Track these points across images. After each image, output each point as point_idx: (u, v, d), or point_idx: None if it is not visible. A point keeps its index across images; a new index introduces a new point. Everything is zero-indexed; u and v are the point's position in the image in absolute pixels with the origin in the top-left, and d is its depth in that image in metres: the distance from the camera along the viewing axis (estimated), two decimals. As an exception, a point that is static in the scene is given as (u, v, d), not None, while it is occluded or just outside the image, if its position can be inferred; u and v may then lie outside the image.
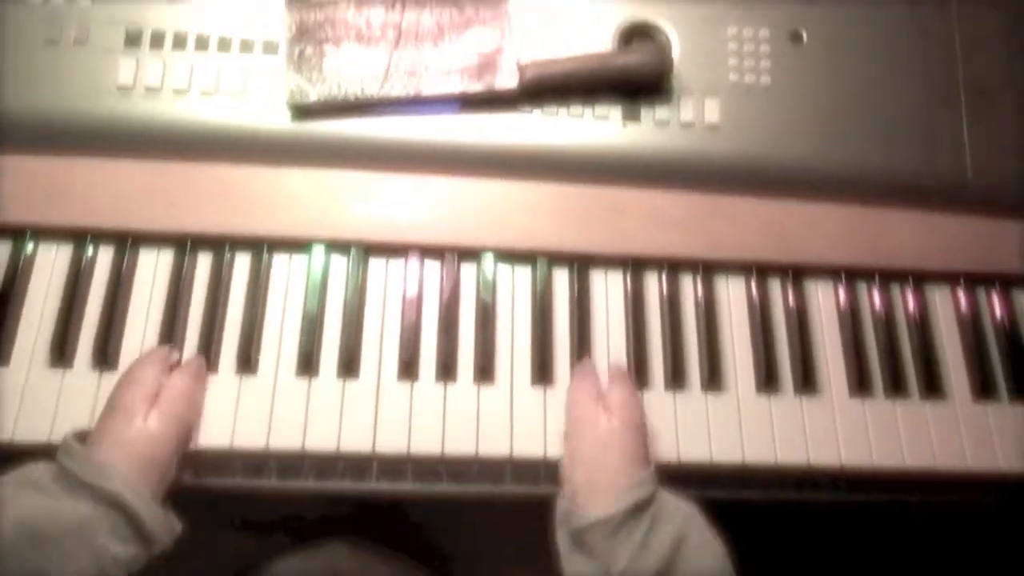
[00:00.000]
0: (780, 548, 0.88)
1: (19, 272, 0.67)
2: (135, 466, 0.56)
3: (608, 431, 0.61)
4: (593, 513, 0.56)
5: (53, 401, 0.63)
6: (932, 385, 0.71)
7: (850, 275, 0.74)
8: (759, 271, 0.73)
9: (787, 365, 0.71)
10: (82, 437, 0.57)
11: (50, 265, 0.68)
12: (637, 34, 0.74)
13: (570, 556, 0.57)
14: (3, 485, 0.53)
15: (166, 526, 0.56)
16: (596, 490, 0.58)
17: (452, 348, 0.68)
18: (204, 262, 0.69)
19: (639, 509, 0.56)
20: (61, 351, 0.64)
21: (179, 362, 0.65)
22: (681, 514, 0.57)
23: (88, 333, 0.66)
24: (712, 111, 0.72)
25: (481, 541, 0.81)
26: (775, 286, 0.73)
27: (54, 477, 0.54)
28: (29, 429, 0.62)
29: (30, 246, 0.68)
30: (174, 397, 0.60)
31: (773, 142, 0.72)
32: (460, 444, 0.65)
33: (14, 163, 0.67)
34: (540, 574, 0.75)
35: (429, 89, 0.69)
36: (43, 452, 0.57)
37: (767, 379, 0.69)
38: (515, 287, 0.71)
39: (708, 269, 0.73)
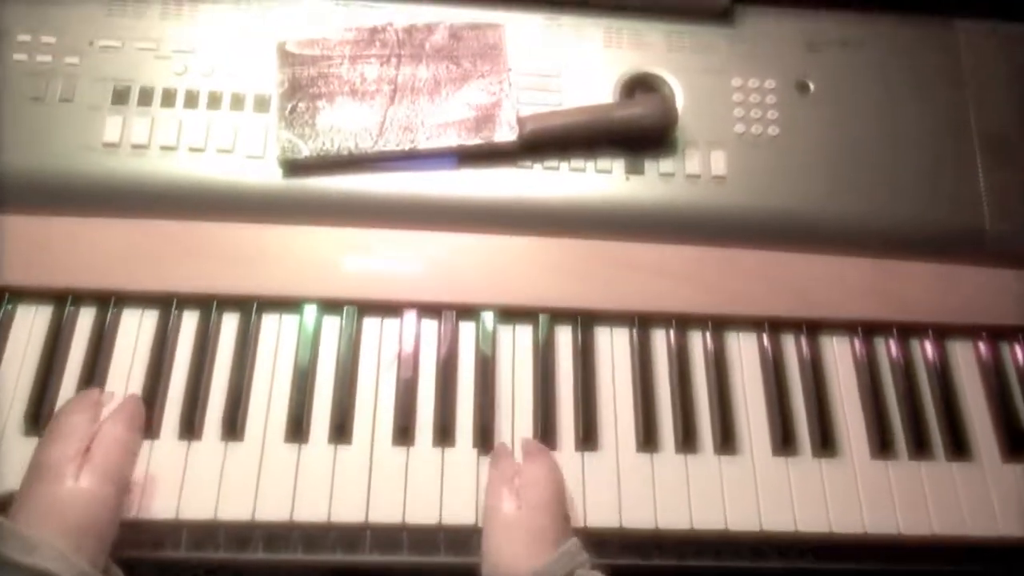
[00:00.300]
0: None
1: (-2, 335, 0.64)
2: (69, 535, 0.50)
3: (513, 518, 0.56)
4: None
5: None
6: (958, 445, 0.67)
7: (867, 329, 0.71)
8: (772, 326, 0.70)
9: (804, 425, 0.67)
10: (5, 503, 0.52)
11: (28, 327, 0.65)
12: (640, 85, 0.73)
13: None
14: None
15: None
16: None
17: (450, 411, 0.64)
18: (190, 322, 0.66)
19: None
20: (36, 419, 0.61)
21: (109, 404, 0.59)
22: None
23: (67, 398, 0.62)
24: (718, 163, 0.70)
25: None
26: (789, 341, 0.70)
27: None
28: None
29: (8, 307, 0.65)
30: (108, 448, 0.54)
31: (782, 193, 0.70)
32: (459, 513, 0.61)
33: (-5, 222, 0.65)
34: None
35: (426, 143, 0.67)
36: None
37: (784, 440, 0.66)
38: (516, 345, 0.68)
39: (718, 325, 0.69)
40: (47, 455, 0.54)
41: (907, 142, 0.72)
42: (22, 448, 0.60)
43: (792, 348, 0.70)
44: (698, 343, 0.69)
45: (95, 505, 0.52)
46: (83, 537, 0.51)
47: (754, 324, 0.70)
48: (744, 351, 0.69)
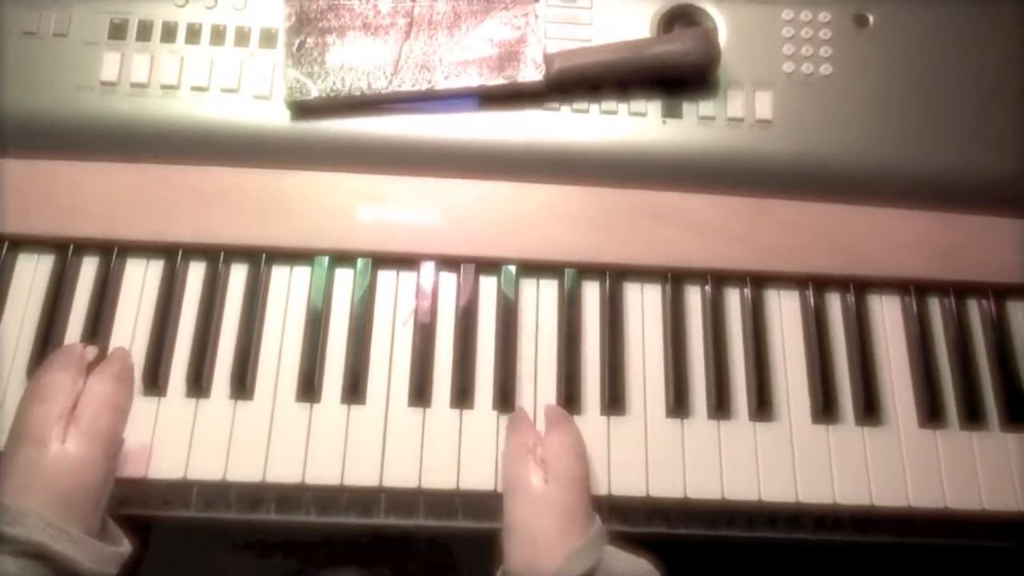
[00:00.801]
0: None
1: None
2: (58, 503, 0.47)
3: (541, 493, 0.53)
4: None
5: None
6: (1014, 414, 0.63)
7: (919, 289, 0.65)
8: (815, 283, 0.65)
9: (847, 391, 0.63)
10: None
11: (30, 278, 0.62)
12: (679, 19, 0.66)
13: None
14: None
15: (109, 556, 0.49)
16: (533, 568, 0.50)
17: (469, 372, 0.61)
18: (196, 273, 0.63)
19: None
20: (39, 374, 0.59)
21: (98, 360, 0.55)
22: None
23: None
24: (764, 105, 0.64)
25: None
26: (833, 300, 0.65)
27: None
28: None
29: (8, 256, 0.62)
30: (95, 408, 0.51)
31: (832, 139, 0.64)
32: (477, 478, 0.58)
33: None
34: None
35: (444, 83, 0.62)
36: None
37: (824, 407, 0.61)
38: (540, 302, 0.64)
39: (757, 282, 0.65)
40: (29, 418, 0.50)
41: (968, 87, 0.66)
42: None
43: (836, 307, 0.65)
44: (735, 301, 0.65)
45: (84, 469, 0.49)
46: (72, 503, 0.48)
47: (796, 281, 0.65)
48: (784, 310, 0.65)
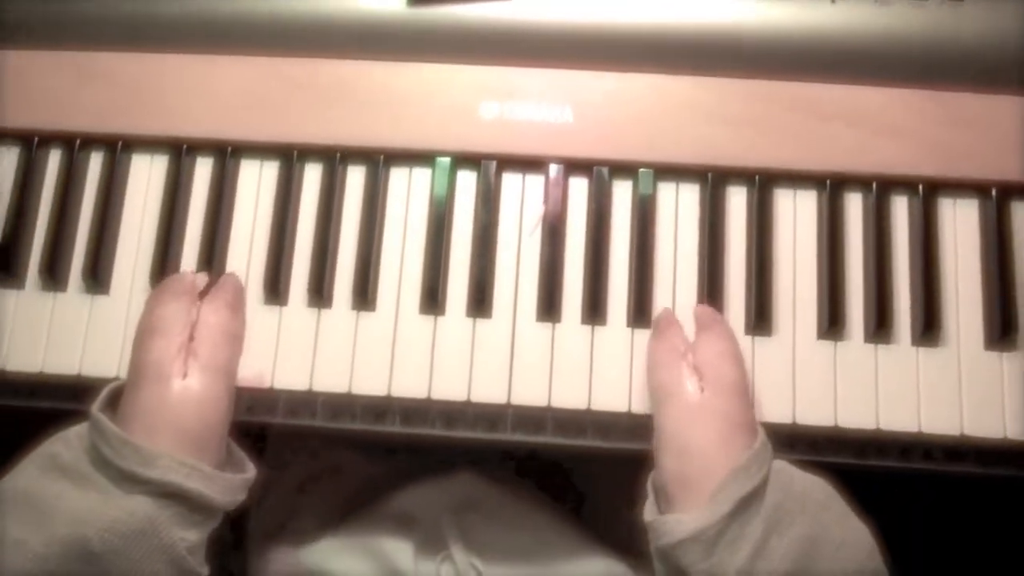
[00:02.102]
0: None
1: (112, 186, 0.59)
2: (187, 441, 0.46)
3: (697, 402, 0.48)
4: (683, 523, 0.44)
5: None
6: None
7: None
8: (1001, 191, 0.56)
9: (1029, 316, 0.56)
10: (110, 398, 0.49)
11: (145, 179, 0.60)
12: None
13: None
14: (30, 476, 0.45)
15: (239, 485, 0.49)
16: (688, 484, 0.46)
17: (601, 284, 0.57)
18: (312, 176, 0.59)
19: (746, 505, 0.44)
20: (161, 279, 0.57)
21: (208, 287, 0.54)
22: (813, 504, 0.45)
23: (190, 256, 0.58)
24: (957, -21, 0.54)
25: (607, 483, 0.72)
26: (1020, 211, 0.57)
27: (91, 461, 0.45)
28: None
29: (123, 158, 0.60)
30: (213, 339, 0.50)
31: (1039, 19, 0.54)
32: (609, 398, 0.55)
33: (101, 62, 0.58)
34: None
35: (579, -42, 0.55)
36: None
37: (1002, 331, 0.55)
38: (679, 210, 0.58)
39: (931, 189, 0.57)
40: (148, 354, 0.49)
41: None
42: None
43: (1023, 221, 0.57)
44: (902, 211, 0.57)
45: (209, 404, 0.49)
46: (201, 440, 0.47)
47: (977, 189, 0.57)
48: (960, 222, 0.57)
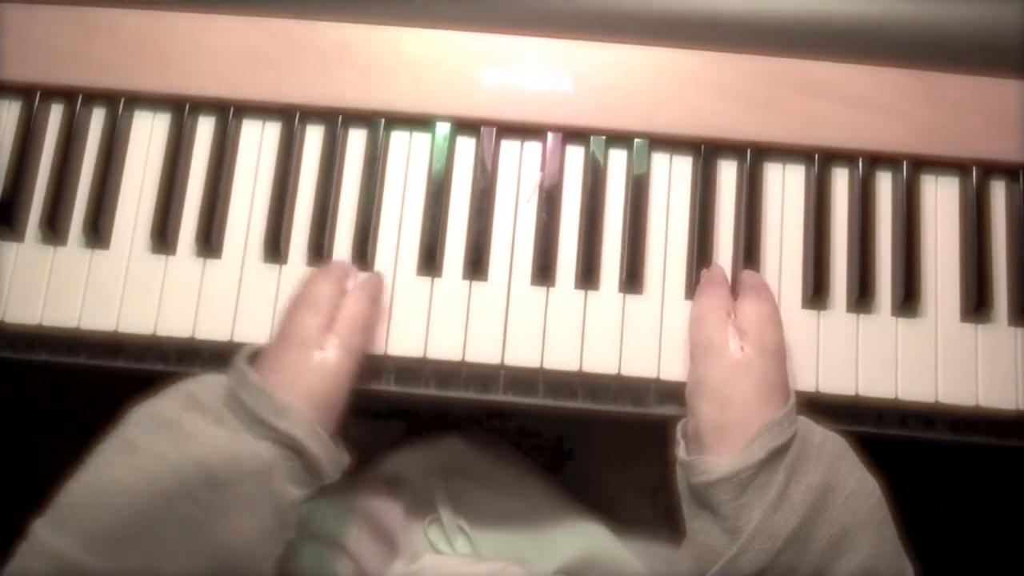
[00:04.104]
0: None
1: (115, 141, 0.59)
2: (314, 405, 0.50)
3: (740, 360, 0.51)
4: (719, 465, 0.47)
5: (157, 291, 0.58)
6: None
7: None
8: (981, 169, 0.58)
9: (1003, 288, 0.58)
10: (252, 356, 0.51)
11: (147, 136, 0.60)
12: None
13: (692, 511, 0.50)
14: (173, 406, 0.48)
15: (341, 463, 0.52)
16: (724, 432, 0.49)
17: (595, 251, 0.58)
18: (313, 136, 0.60)
19: (775, 457, 0.47)
20: (163, 236, 0.58)
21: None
22: (828, 455, 0.48)
23: (191, 214, 0.59)
24: (948, -40, 0.56)
25: (592, 442, 0.74)
26: (998, 191, 0.59)
27: (227, 404, 0.49)
28: (132, 320, 0.57)
29: (124, 115, 0.60)
30: (354, 325, 0.53)
31: (1025, 4, 0.56)
32: (600, 360, 0.57)
33: (103, 17, 0.59)
34: (642, 474, 0.69)
35: (582, -71, 0.56)
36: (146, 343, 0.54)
37: (978, 304, 0.57)
38: (672, 180, 0.60)
39: (916, 166, 0.59)
40: (297, 322, 0.52)
41: None
42: (152, 266, 0.58)
43: (1001, 200, 0.59)
44: (886, 187, 0.59)
45: (338, 377, 0.52)
46: (326, 407, 0.51)
47: (958, 167, 0.59)
48: (941, 198, 0.59)
